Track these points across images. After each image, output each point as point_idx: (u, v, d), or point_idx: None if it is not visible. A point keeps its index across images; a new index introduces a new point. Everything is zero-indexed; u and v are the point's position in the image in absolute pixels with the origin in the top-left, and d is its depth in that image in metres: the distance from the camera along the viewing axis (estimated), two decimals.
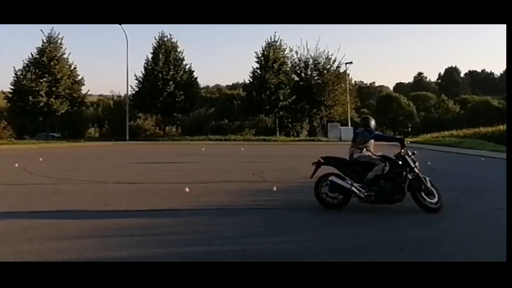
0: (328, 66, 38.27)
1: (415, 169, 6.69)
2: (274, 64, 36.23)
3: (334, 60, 38.12)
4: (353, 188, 6.61)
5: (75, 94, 35.11)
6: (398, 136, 6.37)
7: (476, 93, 79.46)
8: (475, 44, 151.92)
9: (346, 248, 4.91)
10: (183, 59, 37.52)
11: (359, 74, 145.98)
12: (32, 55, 34.20)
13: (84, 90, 36.55)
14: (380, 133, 7.79)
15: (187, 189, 8.67)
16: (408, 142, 7.74)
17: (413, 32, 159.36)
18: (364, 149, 7.02)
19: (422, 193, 6.61)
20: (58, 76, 33.51)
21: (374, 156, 6.95)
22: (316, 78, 38.62)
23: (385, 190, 6.65)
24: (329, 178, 6.77)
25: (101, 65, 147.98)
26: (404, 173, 6.62)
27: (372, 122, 7.36)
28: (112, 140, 32.13)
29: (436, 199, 6.64)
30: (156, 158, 17.26)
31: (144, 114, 40.73)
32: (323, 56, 38.32)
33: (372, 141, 7.18)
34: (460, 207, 7.38)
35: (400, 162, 6.72)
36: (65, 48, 35.23)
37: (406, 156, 6.76)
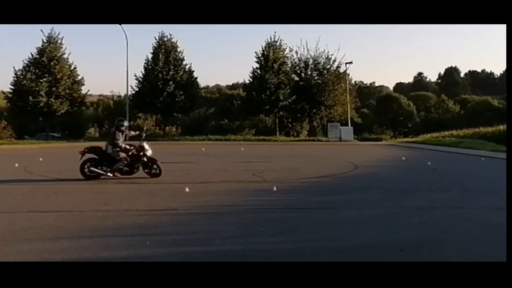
0: (328, 66, 38.24)
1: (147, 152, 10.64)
2: (274, 64, 36.18)
3: (334, 60, 38.13)
4: (101, 172, 10.23)
5: (75, 94, 35.04)
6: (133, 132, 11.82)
7: (476, 93, 79.49)
8: (475, 44, 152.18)
9: (346, 248, 4.91)
10: (183, 59, 37.47)
11: (359, 74, 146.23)
12: (32, 55, 34.16)
13: (84, 90, 36.53)
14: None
15: (187, 189, 8.68)
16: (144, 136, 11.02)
17: (413, 32, 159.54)
18: (111, 145, 10.20)
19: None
20: (58, 76, 33.45)
21: (120, 151, 10.23)
22: (316, 78, 38.57)
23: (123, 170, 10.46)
24: (88, 164, 10.24)
25: (101, 65, 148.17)
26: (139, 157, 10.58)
27: (125, 123, 10.53)
28: None
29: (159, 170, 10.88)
30: (156, 158, 17.17)
31: (144, 114, 40.72)
32: (323, 56, 38.32)
33: (121, 137, 10.40)
34: (460, 207, 7.39)
35: (135, 152, 10.52)
36: (65, 48, 35.19)
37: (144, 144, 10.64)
